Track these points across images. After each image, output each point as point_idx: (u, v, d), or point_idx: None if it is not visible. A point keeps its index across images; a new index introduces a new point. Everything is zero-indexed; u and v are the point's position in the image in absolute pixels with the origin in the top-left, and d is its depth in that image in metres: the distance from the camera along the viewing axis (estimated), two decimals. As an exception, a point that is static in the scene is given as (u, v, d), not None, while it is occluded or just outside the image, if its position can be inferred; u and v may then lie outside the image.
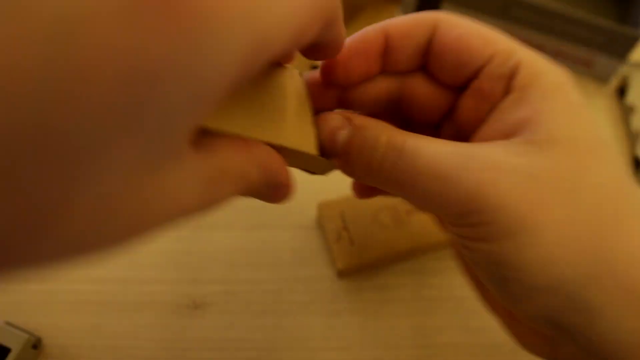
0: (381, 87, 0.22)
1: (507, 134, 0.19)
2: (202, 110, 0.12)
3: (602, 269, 0.17)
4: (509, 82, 0.20)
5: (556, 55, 0.41)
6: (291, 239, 0.32)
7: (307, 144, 0.19)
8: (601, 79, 0.41)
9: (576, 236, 0.17)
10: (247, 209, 0.34)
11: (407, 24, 0.21)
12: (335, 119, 0.20)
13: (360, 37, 0.21)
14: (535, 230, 0.17)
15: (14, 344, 0.27)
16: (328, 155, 0.20)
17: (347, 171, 0.20)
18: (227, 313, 0.30)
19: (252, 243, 0.33)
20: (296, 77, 0.20)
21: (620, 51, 0.38)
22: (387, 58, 0.21)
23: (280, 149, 0.17)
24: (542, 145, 0.18)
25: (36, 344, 0.28)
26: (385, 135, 0.19)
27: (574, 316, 0.18)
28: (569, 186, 0.18)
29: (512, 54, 0.20)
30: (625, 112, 0.39)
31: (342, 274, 0.31)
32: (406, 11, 0.44)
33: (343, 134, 0.20)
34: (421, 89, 0.23)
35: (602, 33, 0.38)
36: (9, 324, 0.29)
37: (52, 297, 0.31)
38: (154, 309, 0.30)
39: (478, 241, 0.18)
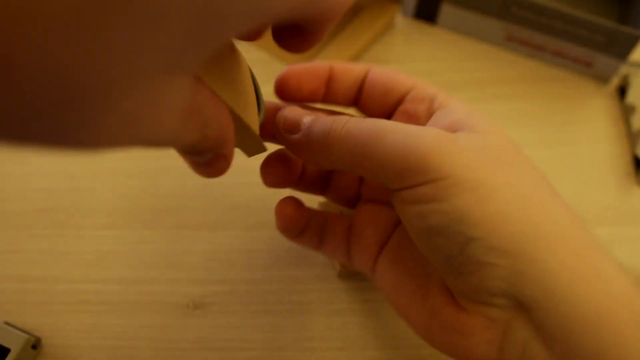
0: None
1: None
2: (248, 25, 0.13)
3: (550, 229, 0.18)
4: (430, 104, 0.23)
5: (556, 55, 0.41)
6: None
7: (255, 123, 0.21)
8: (601, 78, 0.41)
9: (524, 197, 0.19)
10: (247, 209, 0.34)
11: (348, 65, 0.25)
12: (300, 108, 0.23)
13: (311, 64, 0.25)
14: (493, 187, 0.18)
15: (14, 344, 0.27)
16: (290, 134, 0.22)
17: (302, 143, 0.22)
18: (227, 313, 0.30)
19: (252, 243, 0.32)
20: (245, 61, 0.23)
21: (621, 51, 0.38)
22: (330, 87, 0.25)
23: (236, 121, 0.19)
24: (481, 132, 0.20)
25: (36, 344, 0.28)
26: (345, 116, 0.21)
27: (532, 283, 0.18)
28: (510, 159, 0.20)
29: (429, 86, 0.24)
30: (626, 112, 0.39)
31: (342, 274, 0.31)
32: (406, 11, 0.44)
33: (308, 118, 0.22)
34: None
35: (603, 33, 0.38)
36: (8, 324, 0.29)
37: (52, 297, 0.31)
38: (154, 309, 0.30)
39: (430, 202, 0.18)
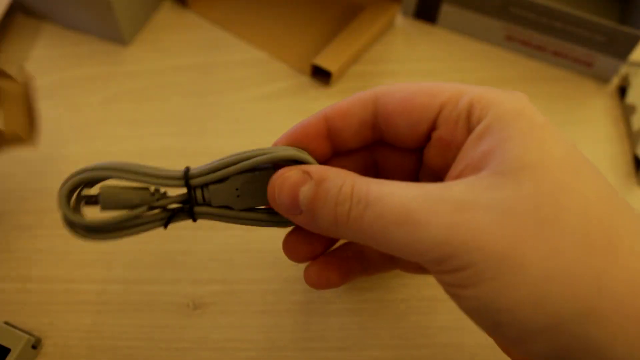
0: (348, 167, 0.22)
1: (475, 170, 0.18)
2: None
3: (602, 301, 0.16)
4: (467, 122, 0.19)
5: (556, 55, 0.41)
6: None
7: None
8: (602, 78, 0.41)
9: (567, 268, 0.16)
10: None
11: (345, 106, 0.21)
12: (294, 174, 0.20)
13: (299, 125, 0.22)
14: (520, 268, 0.16)
15: (14, 344, 0.27)
16: (291, 216, 0.20)
17: (311, 227, 0.20)
18: (227, 313, 0.30)
19: (252, 243, 0.32)
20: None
21: (621, 51, 0.38)
22: (334, 140, 0.22)
23: None
24: (511, 175, 0.17)
25: (36, 344, 0.28)
26: (348, 185, 0.18)
27: (581, 355, 0.16)
28: (549, 214, 0.16)
29: (460, 96, 0.19)
30: (626, 111, 0.39)
31: (342, 274, 0.31)
32: (406, 11, 0.44)
33: (304, 190, 0.19)
34: (388, 159, 0.23)
35: (603, 33, 0.38)
36: (8, 324, 0.29)
37: (52, 297, 0.31)
38: (154, 309, 0.30)
39: (461, 288, 0.17)
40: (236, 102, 0.39)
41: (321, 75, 0.40)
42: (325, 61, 0.39)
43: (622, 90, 0.40)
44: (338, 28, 0.43)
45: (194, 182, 0.22)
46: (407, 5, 0.44)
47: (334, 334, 0.29)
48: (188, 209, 0.22)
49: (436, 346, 0.29)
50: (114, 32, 0.41)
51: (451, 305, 0.30)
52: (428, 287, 0.31)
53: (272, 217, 0.23)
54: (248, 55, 0.42)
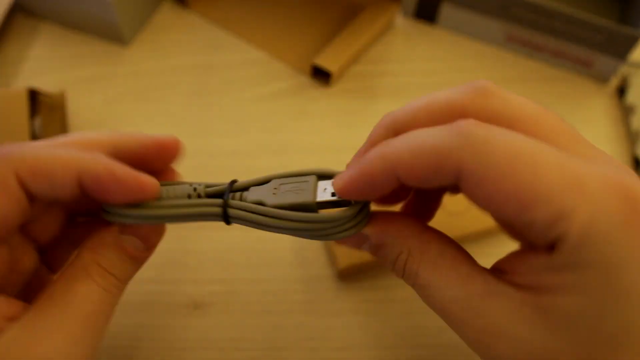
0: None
1: (544, 306, 0.17)
2: None
3: None
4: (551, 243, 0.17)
5: (556, 55, 0.41)
6: (291, 239, 0.32)
7: None
8: (601, 78, 0.41)
9: None
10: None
11: (420, 167, 0.17)
12: (351, 242, 0.21)
13: (365, 179, 0.18)
14: None
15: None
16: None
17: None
18: (227, 313, 0.30)
19: (252, 243, 0.33)
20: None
21: (620, 51, 0.38)
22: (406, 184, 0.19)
23: None
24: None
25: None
26: (402, 260, 0.20)
27: None
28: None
29: (556, 223, 0.16)
30: (625, 112, 0.39)
31: (342, 274, 0.31)
32: (406, 11, 0.44)
33: (366, 247, 0.21)
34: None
35: (602, 33, 0.38)
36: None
37: (52, 297, 0.31)
38: (154, 309, 0.30)
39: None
40: (236, 102, 0.39)
41: (321, 75, 0.40)
42: (325, 61, 0.39)
43: (622, 91, 0.40)
44: (338, 28, 0.43)
45: (236, 185, 0.22)
46: (407, 5, 0.44)
47: (334, 334, 0.30)
48: (222, 203, 0.21)
49: (436, 346, 0.29)
50: (114, 32, 0.41)
51: (451, 305, 0.30)
52: (428, 287, 0.31)
53: (308, 217, 0.20)
54: (248, 55, 0.42)
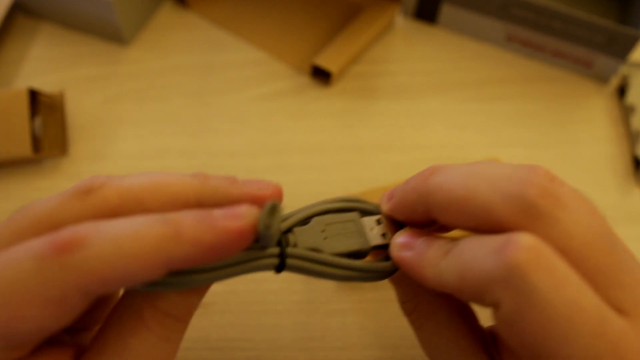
0: None
1: None
2: None
3: None
4: None
5: (556, 56, 0.41)
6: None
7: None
8: (601, 78, 0.41)
9: None
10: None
11: (460, 283, 0.17)
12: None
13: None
14: None
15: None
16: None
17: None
18: (227, 313, 0.30)
19: (252, 243, 0.32)
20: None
21: (621, 51, 0.38)
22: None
23: None
24: None
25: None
26: (409, 308, 0.21)
27: None
28: None
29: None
30: (625, 112, 0.39)
31: (342, 274, 0.31)
32: (406, 11, 0.44)
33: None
34: None
35: (602, 33, 0.38)
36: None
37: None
38: (154, 309, 0.30)
39: None
40: (236, 102, 0.39)
41: (321, 75, 0.40)
42: (325, 61, 0.39)
43: (622, 91, 0.40)
44: (338, 28, 0.43)
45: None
46: (407, 5, 0.44)
47: (334, 334, 0.30)
48: (279, 253, 0.19)
49: (436, 346, 0.29)
50: (114, 32, 0.41)
51: (451, 305, 0.30)
52: (428, 287, 0.31)
53: (368, 267, 0.20)
54: (248, 55, 0.42)
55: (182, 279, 0.17)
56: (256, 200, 0.18)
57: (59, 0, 0.40)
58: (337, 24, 0.43)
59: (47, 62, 0.41)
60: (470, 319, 0.20)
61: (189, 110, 0.39)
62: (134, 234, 0.15)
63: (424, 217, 0.20)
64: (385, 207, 0.21)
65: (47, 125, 0.35)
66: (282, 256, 0.19)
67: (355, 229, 0.21)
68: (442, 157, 0.37)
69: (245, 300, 0.31)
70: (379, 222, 0.21)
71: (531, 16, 0.39)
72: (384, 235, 0.21)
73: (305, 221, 0.20)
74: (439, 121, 0.39)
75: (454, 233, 0.22)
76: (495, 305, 0.16)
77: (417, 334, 0.21)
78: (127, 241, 0.15)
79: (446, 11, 0.42)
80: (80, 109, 0.39)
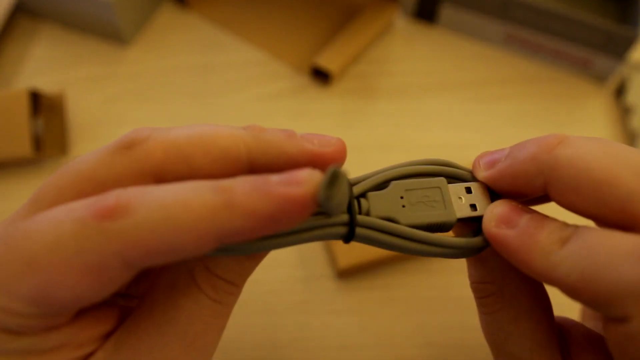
0: None
1: None
2: None
3: None
4: None
5: (555, 56, 0.41)
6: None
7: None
8: (600, 78, 0.41)
9: None
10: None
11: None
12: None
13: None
14: None
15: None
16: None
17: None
18: (228, 313, 0.30)
19: (252, 243, 0.33)
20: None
21: (619, 51, 0.38)
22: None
23: None
24: None
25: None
26: (488, 290, 0.18)
27: None
28: None
29: None
30: (624, 112, 0.39)
31: (342, 274, 0.31)
32: (406, 11, 0.44)
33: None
34: None
35: (601, 33, 0.38)
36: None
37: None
38: (155, 308, 0.30)
39: None
40: (236, 102, 0.39)
41: (321, 75, 0.40)
42: (325, 61, 0.39)
43: (620, 91, 0.40)
44: (338, 28, 0.43)
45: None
46: (406, 6, 0.44)
47: (334, 334, 0.30)
48: (348, 220, 0.17)
49: (436, 346, 0.29)
50: (114, 32, 0.41)
51: (451, 305, 0.31)
52: (428, 288, 0.31)
53: (453, 242, 0.17)
54: (248, 55, 0.42)
55: (235, 245, 0.16)
56: (316, 159, 0.16)
57: (59, 1, 0.40)
58: (337, 24, 0.43)
59: (48, 62, 0.41)
60: (549, 311, 0.18)
61: (189, 110, 0.39)
62: (183, 203, 0.13)
63: (535, 191, 0.17)
64: (483, 174, 0.18)
65: (47, 125, 0.35)
66: (352, 224, 0.16)
67: (440, 197, 0.18)
68: (441, 157, 0.37)
69: (245, 300, 0.31)
70: (468, 190, 0.18)
71: (531, 16, 0.39)
72: (473, 206, 0.18)
73: (381, 185, 0.18)
74: (438, 121, 0.39)
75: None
76: (621, 319, 0.14)
77: (485, 319, 0.18)
78: (174, 210, 0.13)
79: (446, 11, 0.42)
80: (81, 109, 0.39)
